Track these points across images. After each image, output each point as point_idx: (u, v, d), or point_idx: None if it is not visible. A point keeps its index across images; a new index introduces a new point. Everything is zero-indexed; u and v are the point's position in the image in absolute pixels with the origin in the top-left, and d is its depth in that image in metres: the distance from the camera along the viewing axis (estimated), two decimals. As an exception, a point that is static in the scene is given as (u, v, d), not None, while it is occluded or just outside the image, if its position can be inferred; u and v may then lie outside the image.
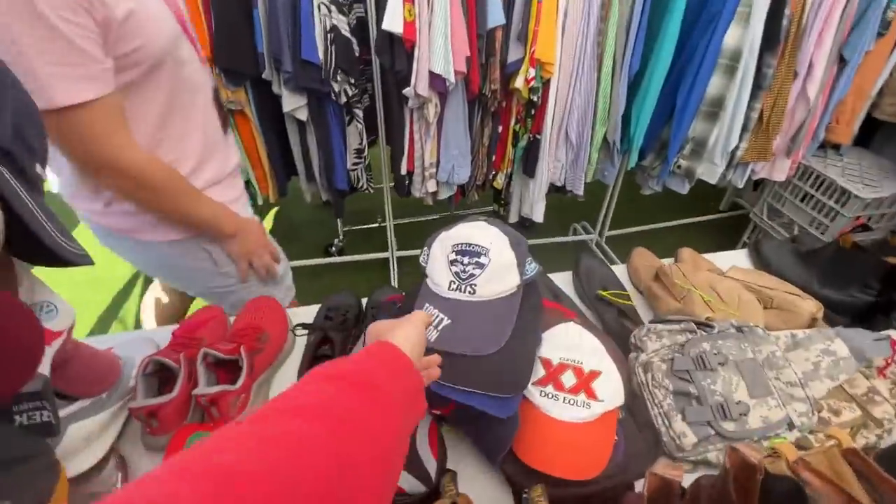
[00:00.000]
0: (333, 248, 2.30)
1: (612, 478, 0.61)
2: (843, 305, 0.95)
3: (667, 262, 1.06)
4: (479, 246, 0.62)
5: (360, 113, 1.46)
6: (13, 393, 0.39)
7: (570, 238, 2.43)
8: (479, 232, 0.63)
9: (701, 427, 0.68)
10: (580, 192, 1.74)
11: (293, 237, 2.51)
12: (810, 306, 0.87)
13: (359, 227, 2.46)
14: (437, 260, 0.64)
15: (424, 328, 0.51)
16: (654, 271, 0.97)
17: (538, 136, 1.52)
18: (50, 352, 0.47)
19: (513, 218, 1.87)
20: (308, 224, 2.57)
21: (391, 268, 2.14)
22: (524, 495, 0.61)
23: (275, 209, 2.68)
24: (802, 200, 2.03)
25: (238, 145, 1.46)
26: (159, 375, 0.73)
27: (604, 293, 0.93)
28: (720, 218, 2.68)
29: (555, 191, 1.79)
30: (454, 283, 0.61)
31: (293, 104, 1.36)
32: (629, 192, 2.08)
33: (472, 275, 0.61)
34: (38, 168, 0.41)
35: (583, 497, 0.61)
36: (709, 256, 1.09)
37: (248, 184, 1.58)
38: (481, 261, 0.61)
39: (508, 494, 0.66)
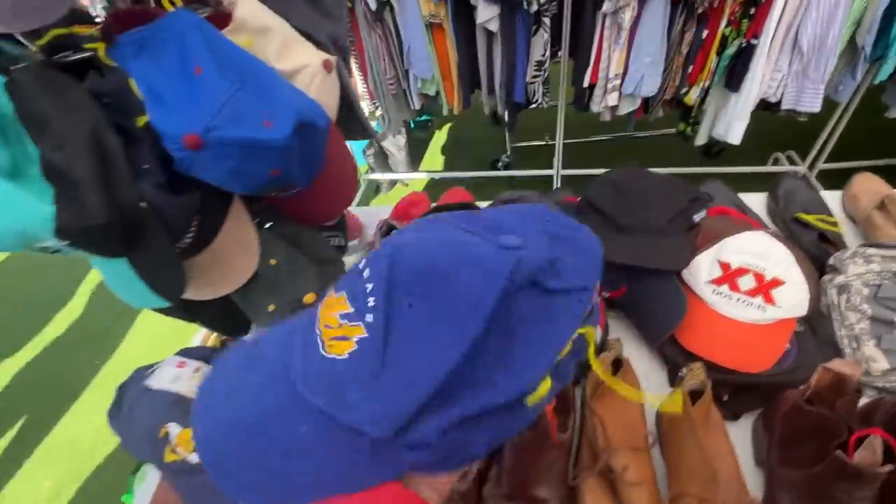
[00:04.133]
0: (500, 164, 2.43)
1: (773, 376, 0.64)
2: None
3: (901, 192, 0.90)
4: None
5: (547, 21, 1.46)
6: (338, 215, 0.61)
7: (770, 169, 2.09)
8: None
9: (898, 356, 0.64)
10: (812, 107, 1.43)
11: (463, 151, 2.71)
12: None
13: (526, 143, 2.52)
14: None
15: None
16: (881, 199, 0.85)
17: (754, 41, 1.31)
18: (347, 196, 0.70)
19: (700, 140, 1.70)
20: (478, 140, 2.73)
21: (554, 184, 2.19)
22: (680, 373, 0.70)
23: (448, 125, 2.88)
24: None
25: (432, 58, 1.62)
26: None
27: (804, 216, 0.86)
28: None
29: (763, 108, 1.55)
30: None
31: (487, 15, 1.43)
32: (864, 117, 1.66)
33: None
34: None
35: (739, 387, 0.66)
36: (970, 192, 0.88)
37: (437, 95, 1.76)
38: None
39: (662, 372, 0.74)
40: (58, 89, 0.38)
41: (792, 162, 2.05)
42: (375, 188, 2.52)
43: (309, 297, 0.59)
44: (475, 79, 1.70)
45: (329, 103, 0.51)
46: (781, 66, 1.37)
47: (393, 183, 2.53)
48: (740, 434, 0.66)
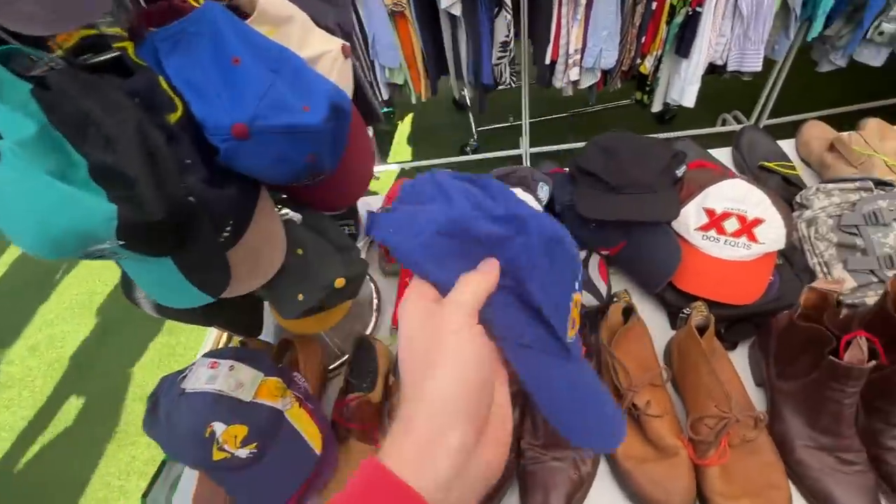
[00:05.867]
0: (469, 148, 2.47)
1: (763, 305, 0.72)
2: None
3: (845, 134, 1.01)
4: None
5: (508, 2, 1.49)
6: (355, 201, 0.62)
7: (720, 129, 2.24)
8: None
9: (862, 275, 0.73)
10: (754, 67, 1.57)
11: (430, 140, 2.73)
12: None
13: (491, 126, 2.57)
14: None
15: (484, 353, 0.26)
16: (829, 142, 0.94)
17: (699, 10, 1.41)
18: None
19: (656, 106, 1.80)
20: (442, 127, 2.75)
21: (524, 163, 2.25)
22: (682, 314, 0.76)
23: (410, 115, 2.89)
24: None
25: (397, 46, 1.63)
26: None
27: (767, 164, 0.95)
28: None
29: (709, 72, 1.66)
30: None
31: (449, 0, 1.45)
32: (797, 74, 1.81)
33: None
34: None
35: (734, 319, 0.74)
36: (901, 127, 1.00)
37: (404, 85, 1.77)
38: None
39: (663, 316, 0.81)
40: (97, 90, 0.38)
41: (738, 121, 2.21)
42: (346, 184, 2.50)
43: (339, 282, 0.61)
44: (441, 65, 1.72)
45: (347, 87, 0.52)
46: (725, 31, 1.47)
47: (363, 177, 2.52)
48: (738, 361, 0.73)
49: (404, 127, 2.83)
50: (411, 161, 2.62)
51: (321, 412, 0.71)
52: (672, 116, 2.39)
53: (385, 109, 2.72)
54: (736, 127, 2.21)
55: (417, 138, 2.75)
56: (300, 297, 0.62)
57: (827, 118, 2.10)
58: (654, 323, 0.80)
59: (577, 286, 0.31)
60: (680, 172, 0.82)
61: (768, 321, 0.71)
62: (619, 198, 0.77)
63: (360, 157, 0.58)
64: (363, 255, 0.98)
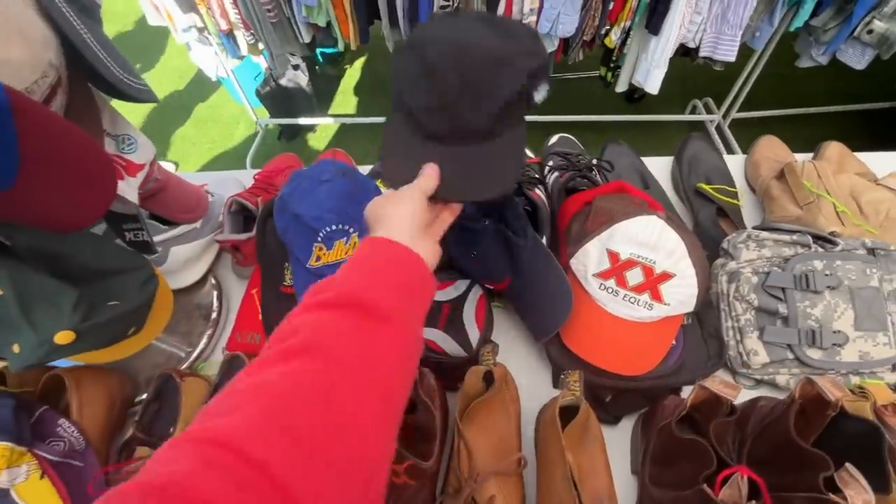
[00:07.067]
0: (418, 106, 2.21)
1: (657, 379, 0.59)
2: None
3: (803, 157, 0.86)
4: None
5: (454, -62, 1.22)
6: (97, 217, 0.43)
7: (686, 117, 2.07)
8: None
9: (778, 349, 0.61)
10: (728, 57, 1.38)
11: (379, 89, 2.44)
12: None
13: (447, 84, 2.30)
14: None
15: (424, 197, 0.43)
16: (780, 168, 0.79)
17: (674, -23, 1.19)
18: (135, 182, 0.52)
19: (621, 87, 1.60)
20: (396, 77, 2.44)
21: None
22: (562, 375, 0.63)
23: (363, 58, 2.56)
24: None
25: (320, -22, 1.34)
26: (244, 214, 0.80)
27: (704, 186, 0.79)
28: (900, 110, 2.07)
29: (682, 54, 1.46)
30: None
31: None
32: (777, 66, 1.63)
33: None
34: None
35: (621, 390, 0.61)
36: (865, 156, 0.86)
37: (328, 25, 1.49)
38: None
39: (548, 373, 0.68)
40: None
41: (708, 110, 2.04)
42: (278, 136, 2.22)
43: (62, 337, 0.43)
44: (373, 6, 1.44)
45: (13, 57, 0.32)
46: (701, 8, 1.26)
47: (295, 131, 2.23)
48: (619, 439, 0.61)
49: (353, 73, 2.52)
50: (353, 116, 2.34)
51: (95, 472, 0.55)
52: (642, 96, 2.19)
53: (332, 50, 2.38)
54: (705, 117, 2.04)
55: (365, 88, 2.46)
56: (15, 348, 0.44)
57: (802, 117, 1.97)
58: (541, 376, 0.68)
59: (318, 238, 0.60)
60: (539, 97, 0.49)
61: (660, 398, 0.58)
62: (438, 151, 0.47)
63: (70, 156, 0.38)
64: (211, 259, 0.79)
